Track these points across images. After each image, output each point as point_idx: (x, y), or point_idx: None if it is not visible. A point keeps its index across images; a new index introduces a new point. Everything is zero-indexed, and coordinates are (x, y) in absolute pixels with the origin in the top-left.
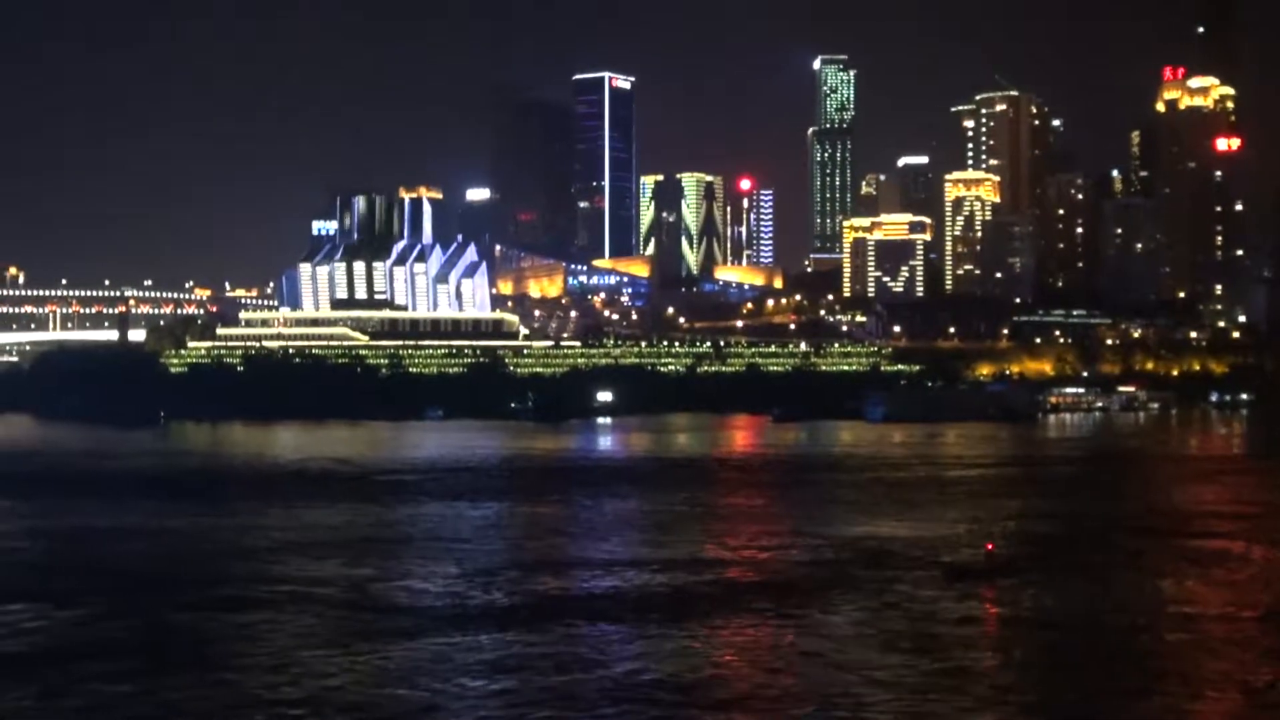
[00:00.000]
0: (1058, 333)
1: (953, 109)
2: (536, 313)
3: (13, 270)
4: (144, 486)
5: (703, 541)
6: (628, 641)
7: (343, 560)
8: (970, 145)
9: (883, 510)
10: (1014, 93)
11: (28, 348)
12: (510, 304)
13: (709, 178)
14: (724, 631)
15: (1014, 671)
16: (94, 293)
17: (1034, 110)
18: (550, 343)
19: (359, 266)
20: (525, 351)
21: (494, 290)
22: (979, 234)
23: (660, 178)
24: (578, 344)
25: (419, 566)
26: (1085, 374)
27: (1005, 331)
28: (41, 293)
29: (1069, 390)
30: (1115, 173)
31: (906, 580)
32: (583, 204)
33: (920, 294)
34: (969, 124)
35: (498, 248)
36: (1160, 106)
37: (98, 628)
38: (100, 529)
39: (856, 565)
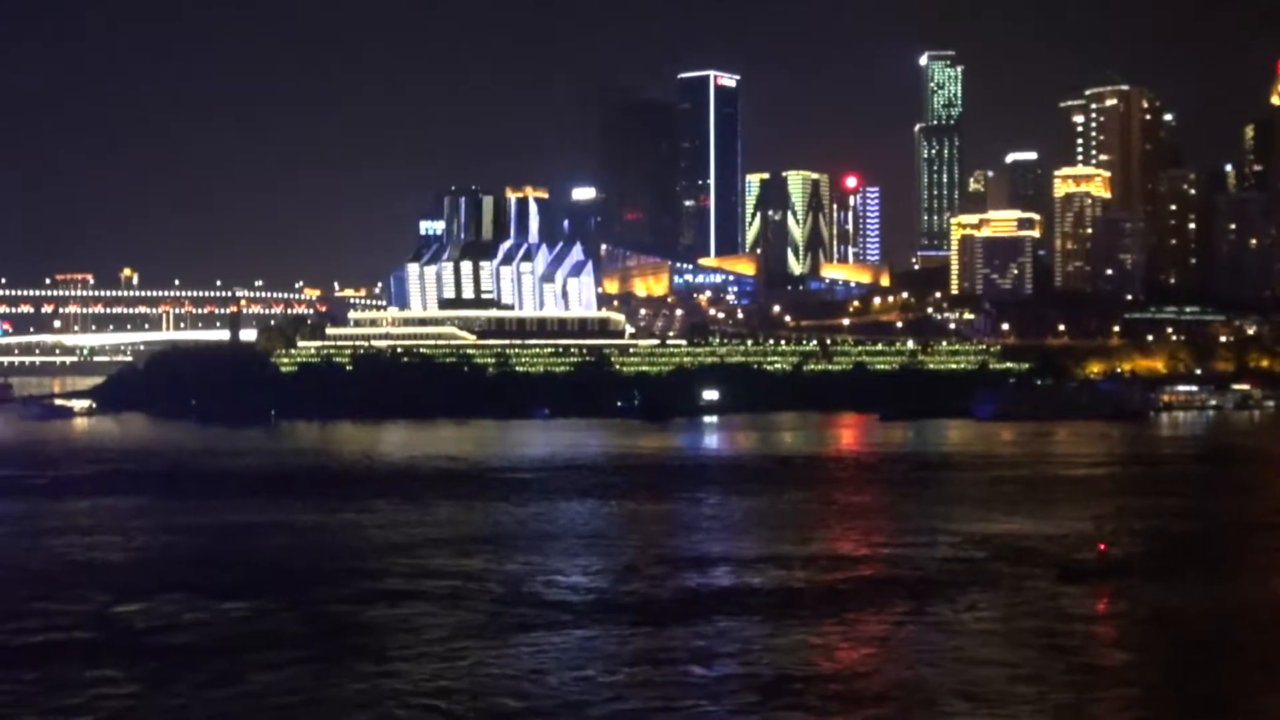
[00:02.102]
0: (1170, 330)
1: (1062, 104)
2: (642, 311)
3: (127, 272)
4: (271, 483)
5: (837, 538)
6: (771, 636)
7: (491, 555)
8: (1080, 140)
9: (1009, 508)
10: (1125, 87)
11: (142, 348)
12: (616, 303)
13: (815, 175)
14: (864, 627)
15: (1146, 668)
16: (206, 293)
17: (1145, 105)
18: (656, 341)
19: (466, 266)
20: (631, 350)
21: (600, 289)
22: (1089, 230)
23: (766, 176)
24: (683, 343)
25: (565, 561)
26: (1198, 371)
27: (1116, 329)
28: (155, 293)
29: (1181, 388)
30: (1228, 167)
31: (1034, 577)
32: (688, 203)
33: (1029, 291)
34: (1078, 119)
35: (603, 247)
36: (1275, 99)
37: (266, 620)
38: (244, 525)
39: (988, 562)
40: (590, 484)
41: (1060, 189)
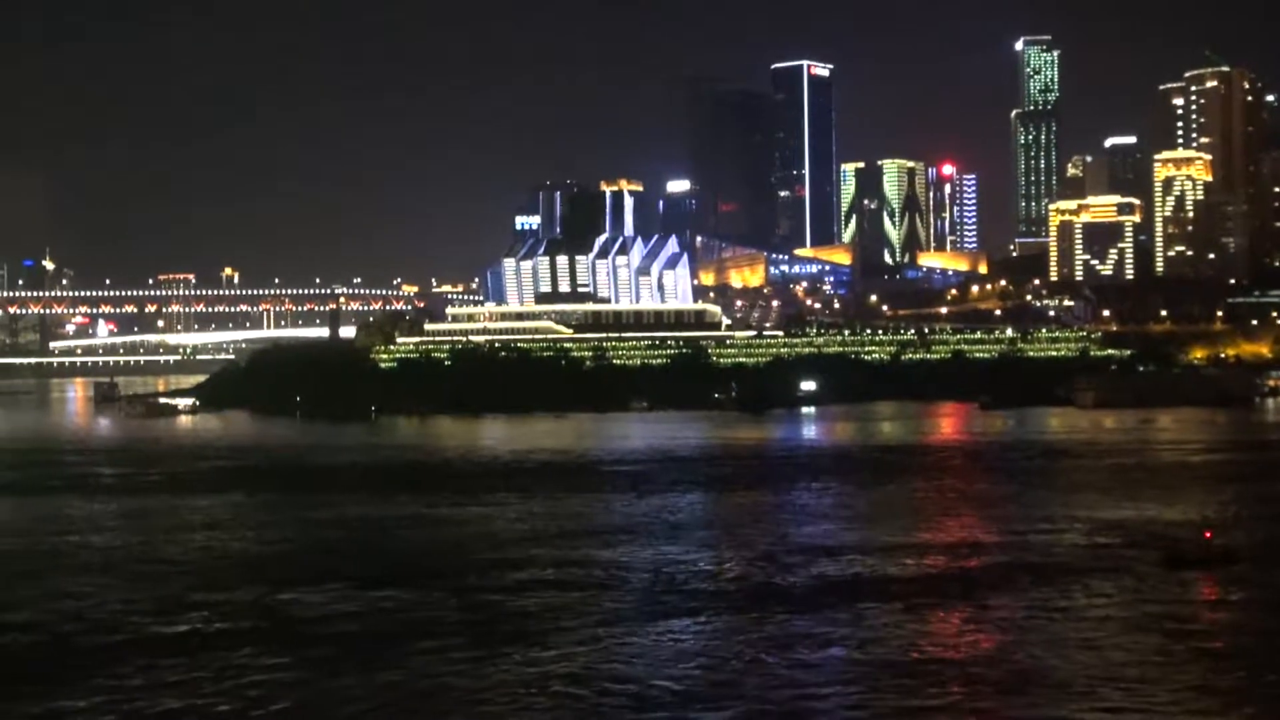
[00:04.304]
0: (1275, 314)
1: (1161, 87)
2: (738, 303)
3: (228, 271)
4: (388, 478)
5: (961, 525)
6: (908, 621)
7: (627, 545)
8: (1180, 124)
9: (1123, 496)
10: (1225, 68)
11: (243, 346)
12: (712, 294)
13: (910, 163)
14: (996, 612)
15: (1267, 653)
16: (305, 291)
17: (1246, 86)
18: (752, 332)
19: (562, 260)
20: (728, 342)
21: (696, 281)
22: (1190, 214)
23: (861, 164)
24: (780, 333)
25: (702, 551)
26: None
27: (1220, 313)
28: (255, 292)
29: None
30: None
31: (1149, 563)
32: (783, 193)
33: (1130, 277)
34: (1178, 102)
35: (699, 239)
36: None
37: (421, 609)
38: (376, 518)
39: (1108, 549)
40: (704, 475)
41: (1160, 173)
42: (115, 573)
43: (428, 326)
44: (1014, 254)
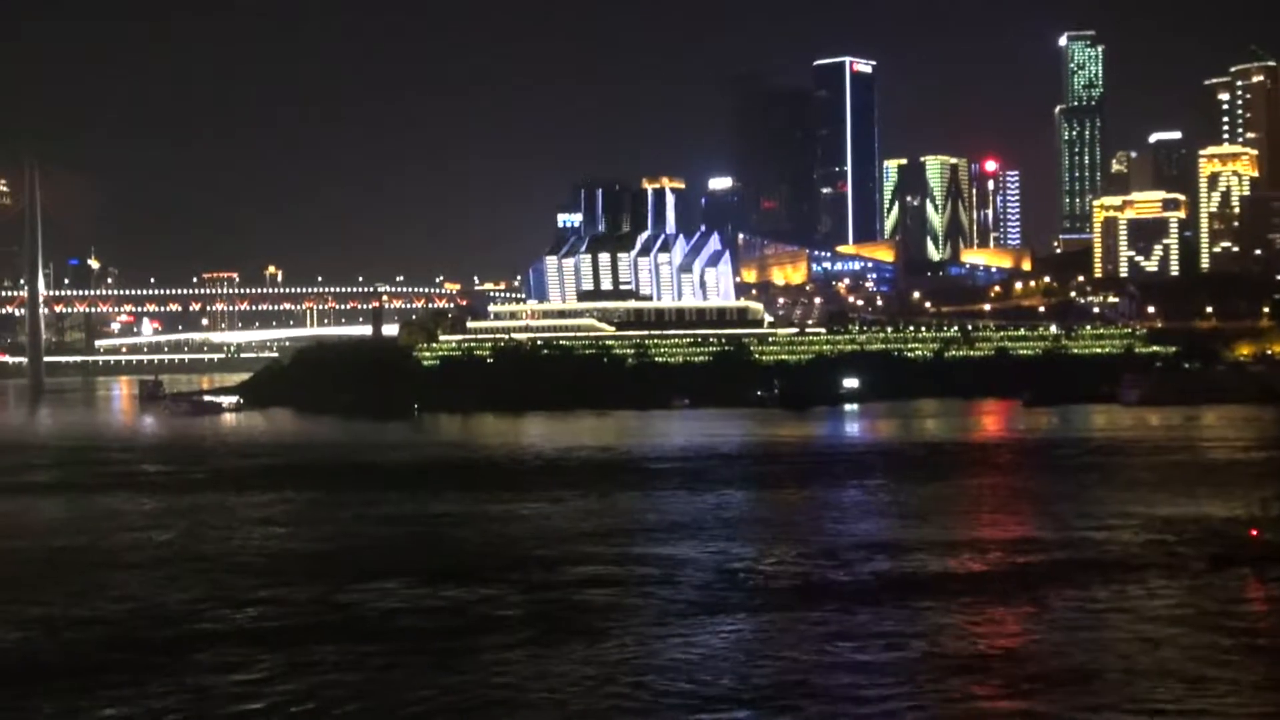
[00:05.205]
0: None
1: (1206, 82)
2: (780, 300)
3: (272, 269)
4: (435, 475)
5: (1017, 522)
6: (966, 617)
7: (683, 541)
8: (1226, 119)
9: (1177, 493)
10: (1271, 64)
11: (287, 344)
12: (754, 292)
13: (953, 160)
14: (1053, 609)
15: None
16: (348, 289)
17: None
18: (795, 330)
19: (604, 258)
20: (770, 339)
21: (737, 278)
22: (1237, 210)
23: (904, 161)
24: (822, 331)
25: (759, 547)
26: None
27: (1266, 310)
28: (298, 290)
29: None
30: None
31: (1199, 560)
32: (825, 190)
33: (1175, 273)
34: (1224, 97)
35: (740, 236)
36: None
37: (483, 605)
38: (433, 515)
39: (1164, 546)
40: (752, 472)
41: (1206, 168)
42: (174, 569)
43: (470, 324)
44: (1058, 250)
